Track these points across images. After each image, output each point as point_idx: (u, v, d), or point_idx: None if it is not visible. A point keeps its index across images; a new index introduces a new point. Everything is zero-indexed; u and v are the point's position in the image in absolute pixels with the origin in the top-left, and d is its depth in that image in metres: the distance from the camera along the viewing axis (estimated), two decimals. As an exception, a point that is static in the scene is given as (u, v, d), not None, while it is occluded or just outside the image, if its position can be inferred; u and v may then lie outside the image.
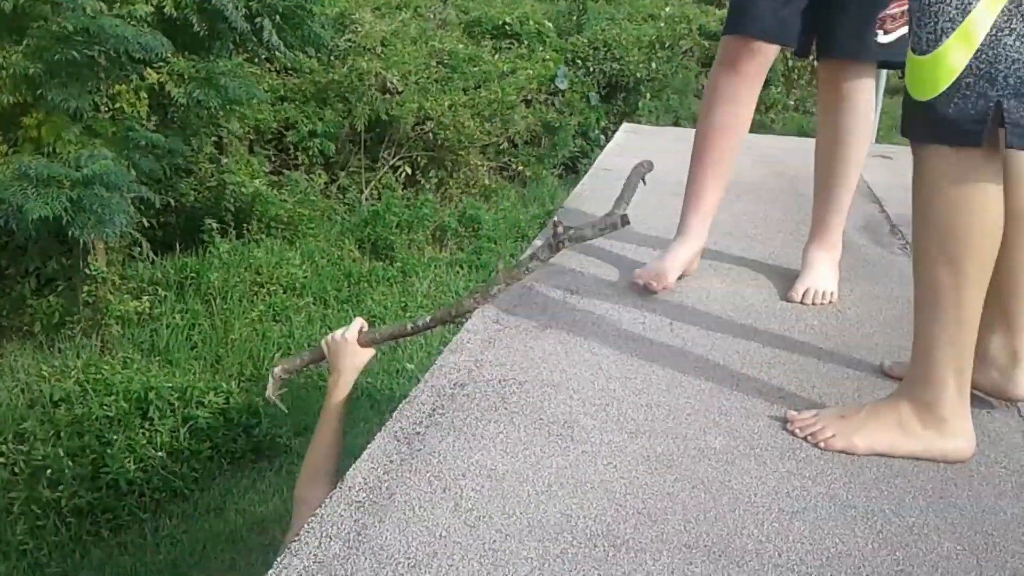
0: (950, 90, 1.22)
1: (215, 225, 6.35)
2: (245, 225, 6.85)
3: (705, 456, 1.34)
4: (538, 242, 1.99)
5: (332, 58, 8.76)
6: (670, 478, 1.28)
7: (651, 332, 1.79)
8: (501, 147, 9.05)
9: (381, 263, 6.84)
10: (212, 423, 4.35)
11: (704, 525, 1.17)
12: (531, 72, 9.54)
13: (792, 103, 11.71)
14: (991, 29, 1.20)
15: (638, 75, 10.19)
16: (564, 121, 9.35)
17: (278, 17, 6.33)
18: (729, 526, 1.17)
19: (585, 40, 10.44)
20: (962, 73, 1.22)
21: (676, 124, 9.98)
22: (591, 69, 10.26)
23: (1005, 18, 1.20)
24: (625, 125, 4.35)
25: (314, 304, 5.99)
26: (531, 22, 10.72)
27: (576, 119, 9.66)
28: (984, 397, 1.53)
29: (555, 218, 1.83)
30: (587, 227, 1.79)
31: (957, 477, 1.33)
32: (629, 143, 3.74)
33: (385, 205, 7.51)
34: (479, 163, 8.84)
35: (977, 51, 1.21)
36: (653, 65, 10.33)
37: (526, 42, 10.51)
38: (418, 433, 1.34)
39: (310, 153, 8.05)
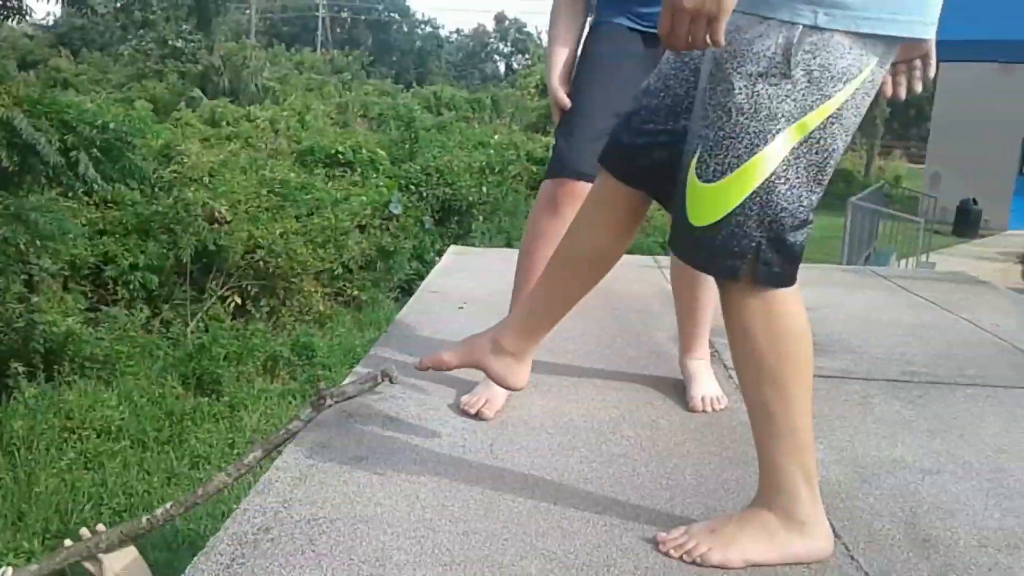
0: (721, 222, 1.28)
1: (21, 369, 5.90)
2: (56, 367, 6.41)
3: (520, 583, 1.31)
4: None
5: (156, 189, 8.55)
6: (484, 610, 1.23)
7: (471, 455, 1.77)
8: (336, 273, 9.00)
9: (207, 398, 6.54)
10: (12, 589, 3.93)
11: (517, 658, 1.13)
12: (365, 198, 9.65)
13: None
14: (770, 175, 1.26)
15: (470, 199, 10.50)
16: (399, 245, 9.45)
17: (95, 150, 6.13)
18: (543, 657, 1.14)
19: (418, 167, 10.70)
20: (735, 209, 1.27)
21: (508, 244, 10.27)
22: (424, 194, 10.49)
23: (784, 167, 1.26)
24: (452, 248, 4.42)
25: (131, 447, 5.61)
26: (364, 151, 10.92)
27: (411, 242, 9.79)
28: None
29: (320, 383, 1.83)
30: (350, 385, 1.83)
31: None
32: (456, 265, 3.79)
33: (212, 337, 7.25)
34: (313, 289, 8.74)
35: (752, 192, 1.26)
36: (484, 189, 10.68)
37: (359, 169, 10.68)
38: (214, 587, 1.25)
39: (131, 287, 7.73)
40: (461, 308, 2.97)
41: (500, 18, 53.85)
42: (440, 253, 10.08)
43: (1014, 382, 2.42)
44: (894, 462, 1.84)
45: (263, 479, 1.61)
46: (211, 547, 1.35)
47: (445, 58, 51.00)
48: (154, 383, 6.58)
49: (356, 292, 9.11)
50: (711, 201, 1.29)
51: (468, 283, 3.37)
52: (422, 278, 10.33)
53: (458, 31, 57.79)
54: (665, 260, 3.68)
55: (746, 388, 1.41)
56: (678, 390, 2.20)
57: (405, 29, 51.99)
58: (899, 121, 34.62)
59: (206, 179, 8.65)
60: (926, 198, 17.41)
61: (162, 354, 7.17)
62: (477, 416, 1.96)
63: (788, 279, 1.32)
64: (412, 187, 10.27)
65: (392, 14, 50.68)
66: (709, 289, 2.14)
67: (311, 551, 1.36)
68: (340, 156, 10.45)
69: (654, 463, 1.76)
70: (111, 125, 6.15)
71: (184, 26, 22.42)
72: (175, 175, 8.59)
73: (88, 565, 1.70)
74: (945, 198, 18.68)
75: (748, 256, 1.27)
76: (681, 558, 1.39)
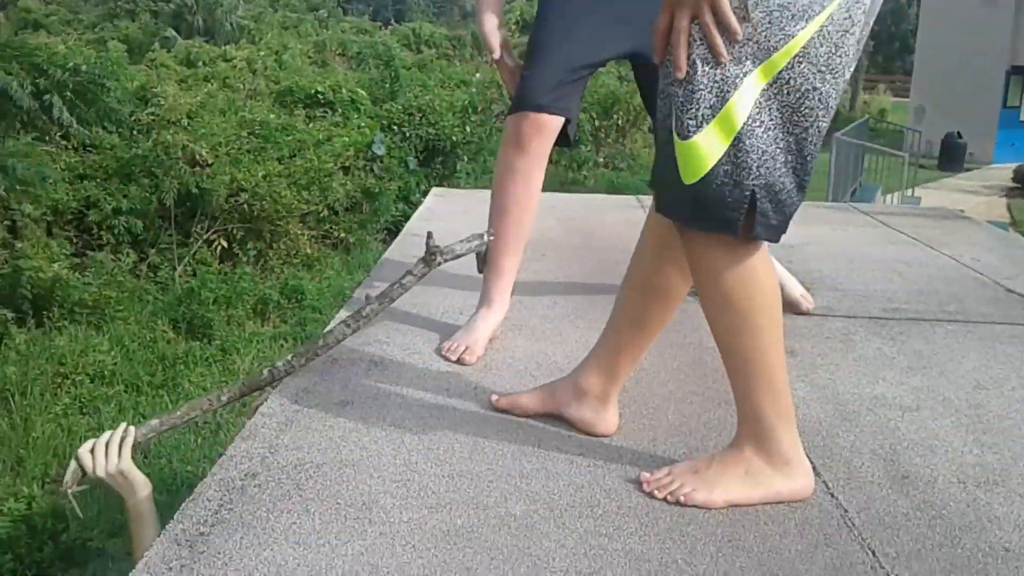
0: (708, 176, 1.25)
1: (10, 315, 5.88)
2: (45, 312, 6.40)
3: (506, 524, 1.33)
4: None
5: (135, 133, 8.42)
6: (469, 551, 1.25)
7: (455, 399, 1.78)
8: (321, 215, 8.94)
9: (198, 342, 6.55)
10: (13, 532, 3.97)
11: (502, 598, 1.15)
12: (347, 139, 9.53)
13: (602, 160, 12.24)
14: (746, 119, 1.23)
15: (454, 139, 10.39)
16: (384, 187, 9.37)
17: (69, 93, 6.02)
18: (528, 596, 1.16)
19: (400, 107, 10.56)
20: (720, 160, 1.25)
21: (494, 184, 10.21)
22: (407, 135, 10.36)
23: (757, 110, 1.24)
24: (435, 190, 4.39)
25: (126, 392, 5.64)
26: (344, 90, 10.74)
27: (396, 184, 9.70)
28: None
29: (428, 232, 1.89)
30: (458, 243, 1.89)
31: (744, 519, 1.38)
32: (438, 207, 3.77)
33: (200, 281, 7.23)
34: (299, 232, 8.69)
35: (734, 139, 1.24)
36: (468, 129, 10.56)
37: (340, 110, 10.51)
38: (202, 534, 1.26)
39: (116, 232, 7.66)
40: (445, 251, 2.95)
41: (481, -49, 52.52)
42: (425, 194, 10.05)
43: (993, 317, 2.45)
44: (874, 399, 1.86)
45: (249, 425, 1.62)
46: (199, 493, 1.36)
47: (423, -7, 49.97)
48: (144, 328, 6.58)
49: (343, 234, 9.07)
50: (695, 156, 1.26)
51: (450, 225, 3.34)
52: (408, 219, 10.32)
53: (437, -35, 56.52)
54: (648, 199, 3.67)
55: (721, 338, 1.41)
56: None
57: (383, -36, 50.79)
58: (883, 55, 34.33)
59: (185, 121, 8.52)
60: (911, 132, 17.34)
61: (151, 299, 7.15)
62: (459, 362, 1.97)
63: (779, 233, 1.31)
64: (394, 127, 10.14)
65: (370, -52, 49.45)
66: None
67: (298, 496, 1.38)
68: (320, 96, 10.29)
69: (636, 404, 1.78)
70: (83, 68, 6.03)
71: (154, -38, 21.85)
72: (153, 118, 8.45)
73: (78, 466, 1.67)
74: (930, 132, 18.64)
75: (744, 206, 1.26)
76: (665, 498, 1.42)
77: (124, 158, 7.99)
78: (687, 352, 2.08)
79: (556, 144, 2.07)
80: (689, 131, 1.25)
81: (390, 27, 24.35)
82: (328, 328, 1.90)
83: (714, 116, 1.24)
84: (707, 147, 1.25)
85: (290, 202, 8.33)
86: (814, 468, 1.54)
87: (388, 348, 2.04)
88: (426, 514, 1.34)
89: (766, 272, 1.36)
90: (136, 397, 5.57)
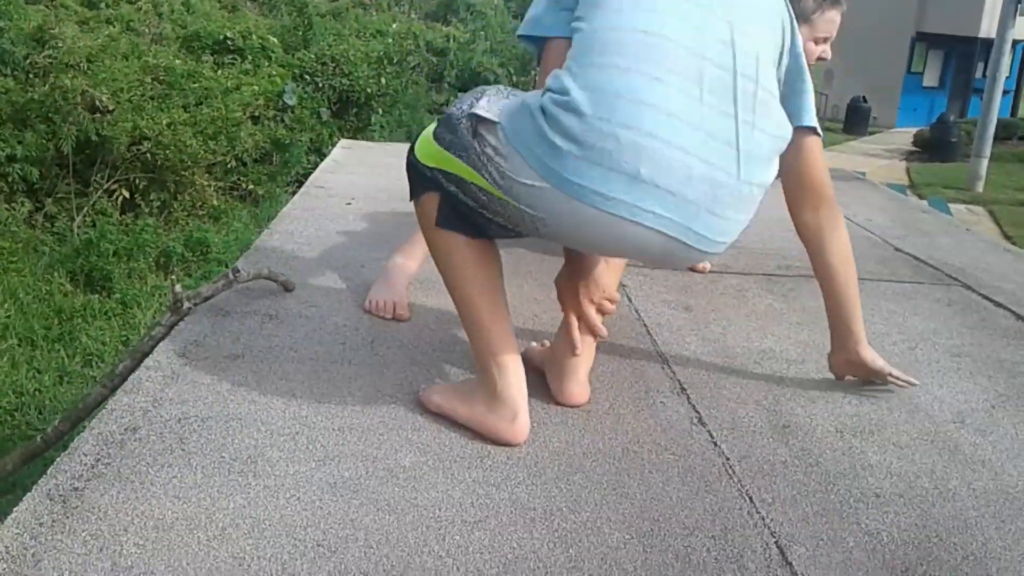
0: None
1: None
2: (-68, 264, 6.08)
3: (394, 476, 1.33)
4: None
5: (31, 76, 8.01)
6: (355, 503, 1.25)
7: (351, 352, 1.76)
8: (229, 166, 8.67)
9: (97, 296, 6.32)
10: None
11: (385, 549, 1.15)
12: (257, 88, 9.24)
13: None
14: None
15: (368, 90, 10.16)
16: (295, 138, 9.14)
17: (-45, 32, 5.67)
18: (411, 546, 1.16)
19: (313, 56, 10.26)
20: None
21: (409, 139, 10.07)
22: (320, 85, 10.10)
23: None
24: (343, 142, 4.32)
25: (19, 346, 5.41)
26: (254, 37, 10.38)
27: (308, 135, 9.47)
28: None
29: (176, 285, 1.84)
30: (206, 286, 1.87)
31: (630, 468, 1.41)
32: (346, 159, 3.70)
33: (100, 232, 6.96)
34: (206, 183, 8.42)
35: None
36: (383, 80, 10.34)
37: (250, 57, 10.17)
38: (76, 489, 1.22)
39: (10, 180, 7.30)
40: (349, 204, 2.91)
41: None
42: (338, 146, 9.86)
43: (880, 275, 2.54)
44: (762, 352, 1.92)
45: (132, 379, 1.57)
46: (75, 447, 1.32)
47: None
48: (40, 280, 6.31)
49: (252, 186, 8.82)
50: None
51: (357, 178, 3.30)
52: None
53: (357, -89, 54.90)
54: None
55: (451, 294, 1.57)
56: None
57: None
58: (800, 18, 34.90)
59: (84, 65, 8.12)
60: (819, 96, 17.77)
61: (47, 250, 6.86)
62: (395, 319, 1.95)
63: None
64: (307, 77, 9.87)
65: None
66: None
67: (180, 450, 1.35)
68: (229, 43, 9.92)
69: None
70: (-29, 5, 5.68)
71: None
72: (50, 61, 8.03)
73: None
74: (837, 96, 19.13)
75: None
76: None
77: (19, 102, 7.59)
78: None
79: None
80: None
81: (305, -27, 23.53)
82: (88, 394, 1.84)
83: None
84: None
85: (196, 152, 8.05)
86: (700, 418, 1.59)
87: (284, 301, 2.00)
88: (313, 467, 1.33)
89: (448, 241, 1.51)
90: (31, 351, 5.37)
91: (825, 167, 1.78)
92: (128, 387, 1.53)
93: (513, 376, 1.48)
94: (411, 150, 1.52)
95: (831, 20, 2.18)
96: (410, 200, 1.55)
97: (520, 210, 1.38)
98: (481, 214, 1.44)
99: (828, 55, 2.22)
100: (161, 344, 1.72)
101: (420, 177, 1.50)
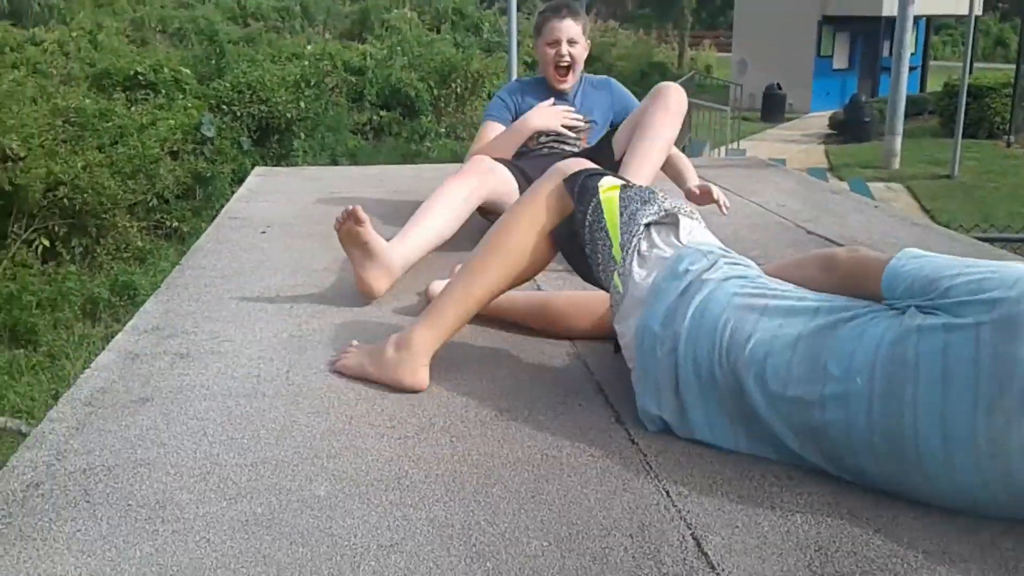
0: None
1: None
2: None
3: (308, 507, 1.30)
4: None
5: (-67, 128, 7.77)
6: (268, 538, 1.22)
7: (265, 384, 1.73)
8: (151, 205, 8.53)
9: (23, 350, 6.15)
10: None
11: (299, 582, 1.13)
12: (173, 122, 9.11)
13: (443, 130, 12.18)
14: None
15: (288, 115, 10.09)
16: (216, 170, 9.02)
17: None
18: (325, 576, 1.14)
19: (228, 84, 10.16)
20: None
21: (334, 162, 9.99)
22: (239, 113, 9.99)
23: None
24: (257, 169, 4.26)
25: (-59, 409, 5.24)
26: (166, 70, 10.25)
27: (230, 166, 9.36)
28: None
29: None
30: None
31: (549, 474, 1.41)
32: (260, 187, 3.65)
33: (21, 285, 6.78)
34: (128, 224, 8.27)
35: None
36: (302, 104, 10.28)
37: (163, 91, 10.03)
38: (-27, 553, 1.18)
39: (-82, 237, 7.07)
40: (263, 232, 2.87)
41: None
42: (262, 175, 9.73)
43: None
44: (678, 345, 1.93)
45: (34, 432, 1.52)
46: (-28, 512, 1.27)
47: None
48: (-39, 339, 6.13)
49: (176, 223, 8.68)
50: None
51: (272, 206, 3.26)
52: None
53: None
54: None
55: None
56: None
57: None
58: (708, 11, 35.58)
59: (-10, 113, 7.91)
60: (735, 86, 18.13)
61: (-35, 307, 6.65)
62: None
63: None
64: (224, 107, 9.75)
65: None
66: None
67: (85, 502, 1.31)
68: (140, 78, 9.76)
69: (448, 371, 1.78)
70: None
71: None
72: (-47, 110, 7.81)
73: None
74: (753, 85, 19.53)
75: None
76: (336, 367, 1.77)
77: (-78, 156, 7.37)
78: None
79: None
80: None
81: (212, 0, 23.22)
82: None
83: None
84: None
85: (115, 193, 7.90)
86: (619, 418, 1.60)
87: (196, 338, 1.97)
88: (224, 506, 1.30)
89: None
90: (-45, 413, 5.19)
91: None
92: (30, 442, 1.48)
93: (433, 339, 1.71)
94: (594, 183, 1.67)
95: (552, 28, 2.84)
96: (574, 202, 1.66)
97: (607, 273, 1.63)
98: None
99: (565, 54, 2.84)
100: (66, 394, 1.67)
101: (584, 192, 1.65)
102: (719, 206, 2.59)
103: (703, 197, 2.62)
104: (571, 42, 2.83)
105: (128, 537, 1.22)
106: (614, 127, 2.76)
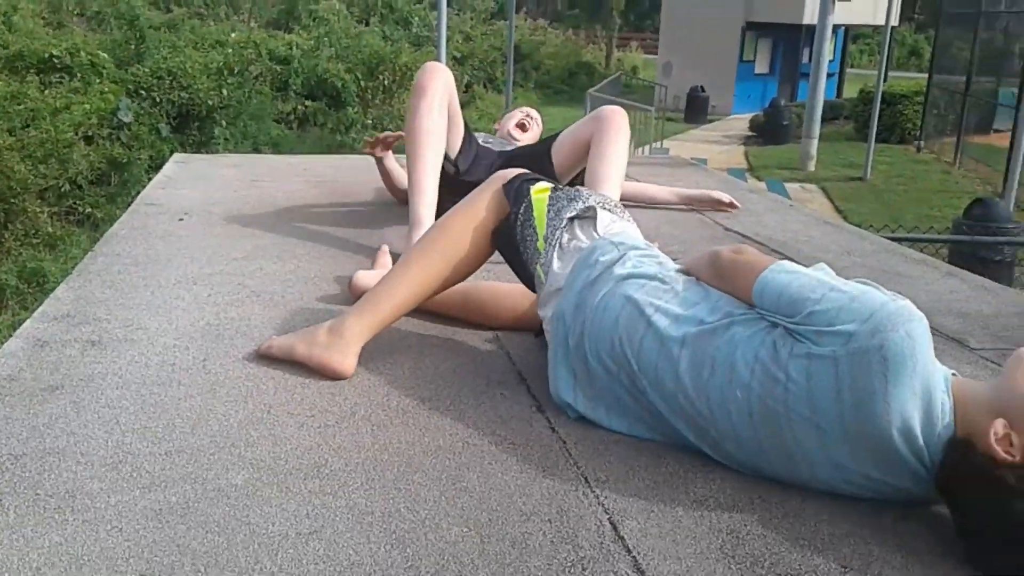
0: None
1: None
2: None
3: (224, 496, 1.28)
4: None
5: None
6: (182, 528, 1.20)
7: (181, 373, 1.70)
8: (63, 190, 8.24)
9: (-78, 339, 5.86)
10: None
11: (214, 571, 1.12)
12: (88, 107, 8.82)
13: (370, 122, 12.08)
14: None
15: (210, 103, 9.87)
16: (133, 156, 8.77)
17: None
18: (241, 566, 1.13)
19: (147, 70, 9.88)
20: None
21: (256, 150, 9.81)
22: (158, 99, 9.74)
23: None
24: (176, 156, 4.15)
25: None
26: (83, 54, 9.90)
27: (147, 153, 9.11)
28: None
29: None
30: None
31: (470, 461, 1.41)
32: (178, 174, 3.57)
33: (-79, 271, 6.47)
34: (38, 210, 7.98)
35: None
36: (224, 92, 10.06)
37: (79, 75, 9.69)
38: None
39: None
40: (181, 220, 2.81)
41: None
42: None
43: (712, 254, 2.64)
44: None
45: (-65, 422, 1.46)
46: None
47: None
48: None
49: (89, 209, 8.41)
50: None
51: (191, 192, 3.19)
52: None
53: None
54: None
55: None
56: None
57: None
58: (635, 13, 36.06)
59: None
60: (659, 88, 18.42)
61: None
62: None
63: None
64: (143, 92, 9.48)
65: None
66: None
67: (-11, 493, 1.26)
68: (56, 61, 9.42)
69: (372, 360, 1.78)
70: None
71: None
72: None
73: None
74: (677, 87, 19.87)
75: None
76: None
77: None
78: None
79: None
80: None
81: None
82: None
83: None
84: None
85: (25, 177, 7.62)
86: (540, 407, 1.61)
87: (108, 325, 1.91)
88: (137, 495, 1.28)
89: None
90: None
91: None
92: (-70, 431, 1.42)
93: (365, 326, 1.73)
94: (527, 187, 1.76)
95: (515, 117, 3.12)
96: (510, 205, 1.75)
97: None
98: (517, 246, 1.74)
99: (527, 130, 3.09)
100: (-31, 382, 1.61)
101: (519, 194, 1.74)
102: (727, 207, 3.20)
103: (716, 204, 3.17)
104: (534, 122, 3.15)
105: (36, 527, 1.19)
106: (548, 142, 2.74)
